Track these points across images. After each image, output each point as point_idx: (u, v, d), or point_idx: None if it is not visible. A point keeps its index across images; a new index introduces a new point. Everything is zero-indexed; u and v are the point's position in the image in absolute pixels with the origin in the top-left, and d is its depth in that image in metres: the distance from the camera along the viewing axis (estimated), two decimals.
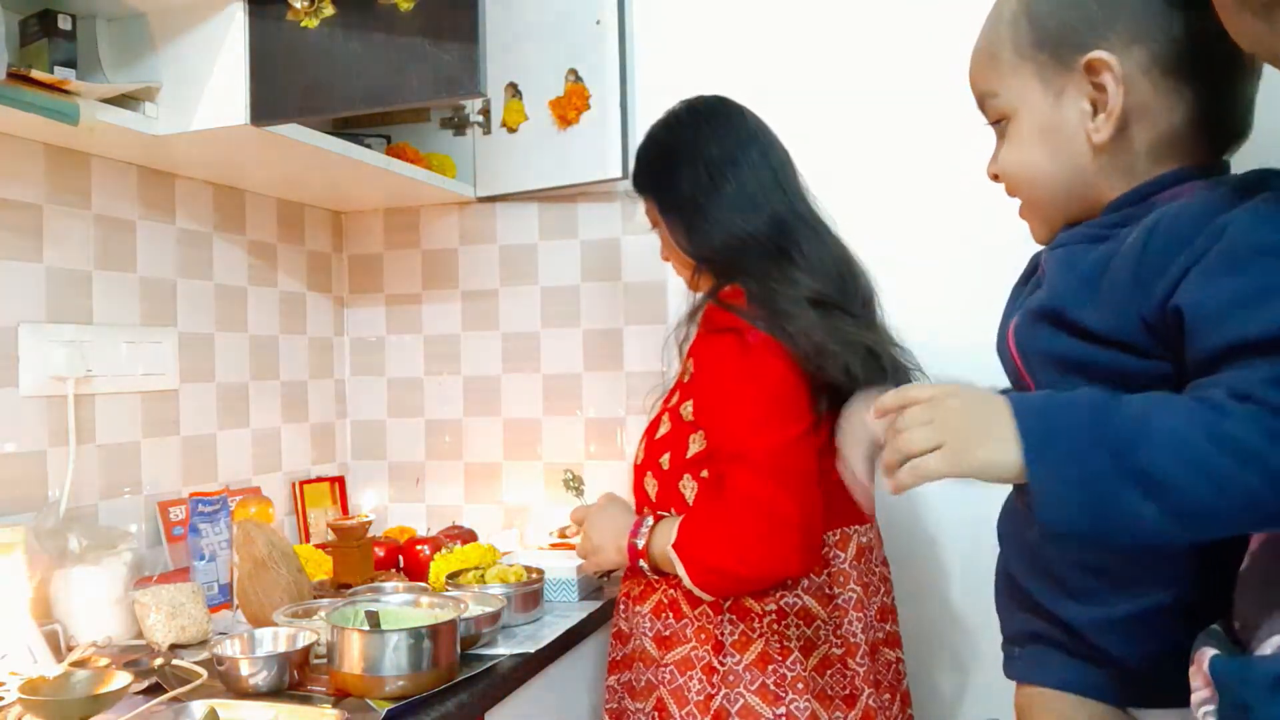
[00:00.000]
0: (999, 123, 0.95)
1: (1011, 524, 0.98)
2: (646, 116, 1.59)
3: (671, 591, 1.35)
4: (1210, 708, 0.68)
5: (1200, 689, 0.70)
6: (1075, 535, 0.75)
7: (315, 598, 1.49)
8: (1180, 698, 0.75)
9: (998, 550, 1.02)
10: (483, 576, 1.54)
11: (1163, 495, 0.69)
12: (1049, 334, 0.84)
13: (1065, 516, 0.73)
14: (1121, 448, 0.70)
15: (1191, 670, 0.72)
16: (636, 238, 1.96)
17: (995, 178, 0.98)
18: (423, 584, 1.65)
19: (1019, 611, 0.95)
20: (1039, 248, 1.00)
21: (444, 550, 1.69)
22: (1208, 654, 0.70)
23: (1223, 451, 0.67)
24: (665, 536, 1.31)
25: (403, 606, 1.31)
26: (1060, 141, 0.89)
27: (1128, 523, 0.70)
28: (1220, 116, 0.87)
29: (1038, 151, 0.91)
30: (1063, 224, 0.92)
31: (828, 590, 1.33)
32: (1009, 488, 1.00)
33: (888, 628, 1.40)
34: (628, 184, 1.76)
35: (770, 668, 1.28)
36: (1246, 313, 0.70)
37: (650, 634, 1.36)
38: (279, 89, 1.38)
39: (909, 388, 0.83)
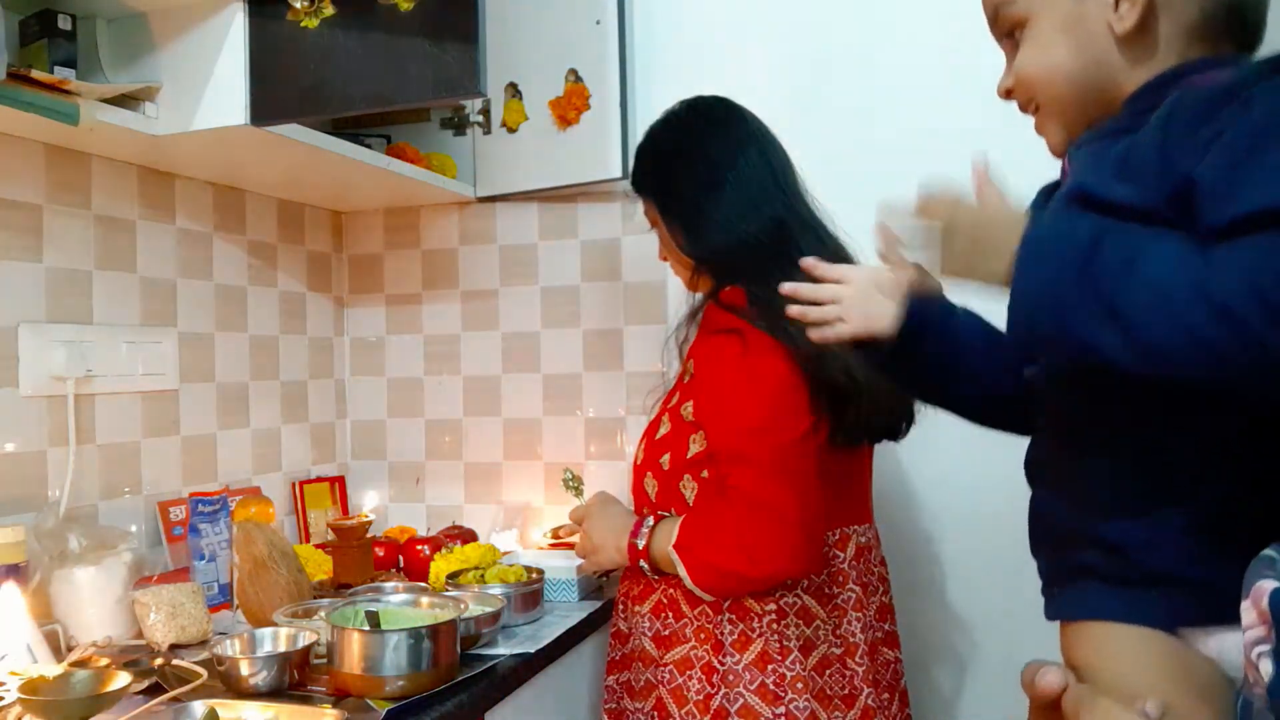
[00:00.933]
0: (1012, 35, 0.96)
1: (1045, 454, 0.96)
2: (646, 116, 1.59)
3: (671, 591, 1.35)
4: (1266, 648, 0.61)
5: (1255, 626, 0.63)
6: (1037, 340, 0.81)
7: (315, 598, 1.49)
8: (1235, 614, 0.69)
9: (1027, 494, 0.99)
10: (483, 576, 1.54)
11: (1129, 331, 0.73)
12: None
13: (1032, 320, 0.79)
14: (1104, 280, 0.74)
15: (1245, 604, 0.64)
16: (636, 238, 1.96)
17: (1008, 94, 0.98)
18: (423, 584, 1.65)
19: (1057, 550, 0.92)
20: None
21: (444, 550, 1.69)
22: (1267, 587, 0.63)
23: (1201, 304, 0.70)
24: (666, 537, 1.31)
25: (403, 606, 1.31)
26: (1082, 35, 0.90)
27: (1087, 344, 0.75)
28: (1240, 14, 0.88)
29: (1059, 48, 0.91)
30: (1083, 127, 0.92)
31: (827, 590, 1.34)
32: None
33: (886, 627, 1.41)
34: (628, 184, 1.76)
35: (770, 667, 1.28)
36: (1268, 184, 0.70)
37: (650, 634, 1.36)
38: (279, 89, 1.38)
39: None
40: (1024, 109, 0.98)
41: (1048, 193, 0.99)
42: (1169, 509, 0.83)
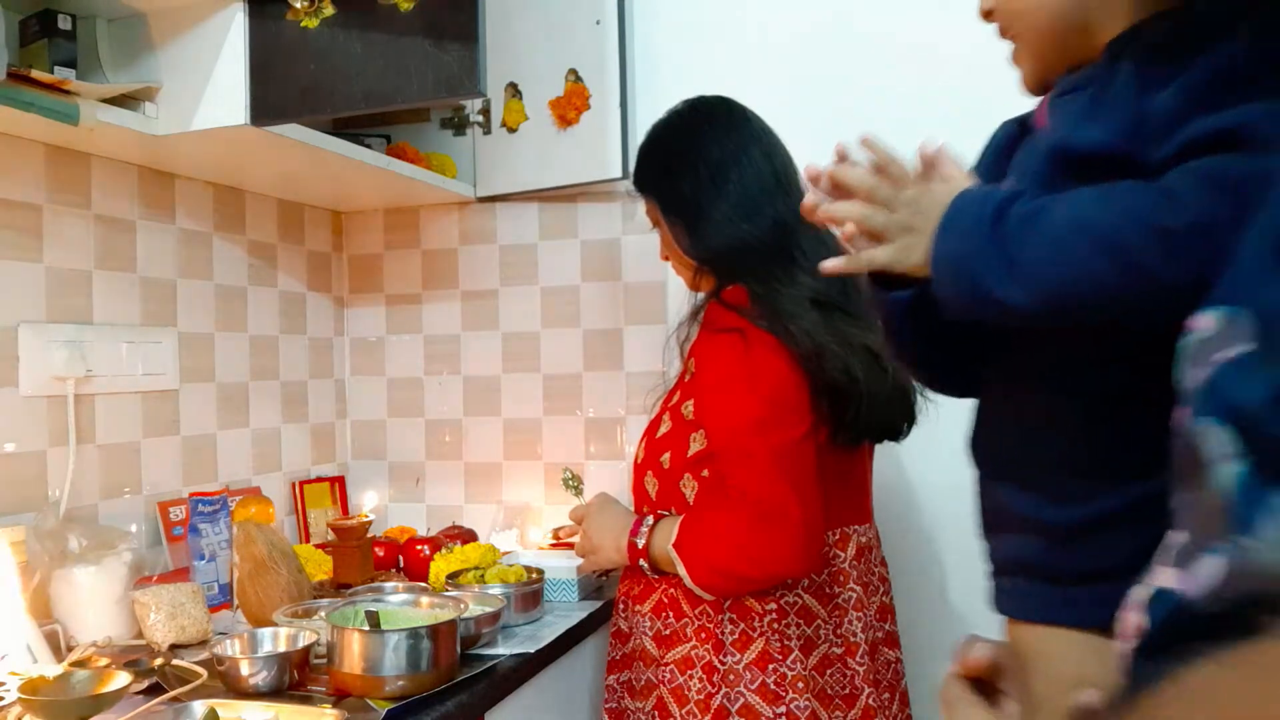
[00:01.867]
0: None
1: (990, 439, 0.92)
2: (646, 116, 1.59)
3: (671, 591, 1.35)
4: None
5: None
6: (958, 304, 0.80)
7: (315, 598, 1.49)
8: None
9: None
10: (483, 576, 1.54)
11: (1028, 280, 0.73)
12: (1061, 181, 0.79)
13: (951, 283, 0.78)
14: (1009, 236, 0.75)
15: (1120, 617, 0.53)
16: (636, 238, 1.96)
17: (989, 15, 0.93)
18: (423, 584, 1.65)
19: (1003, 534, 0.88)
20: None
21: (444, 550, 1.69)
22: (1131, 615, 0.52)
23: (1085, 238, 0.70)
24: (665, 536, 1.31)
25: (403, 606, 1.31)
26: None
27: (996, 300, 0.75)
28: None
29: None
30: (1060, 66, 0.88)
31: (828, 589, 1.34)
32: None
33: (887, 627, 1.41)
34: (628, 184, 1.76)
35: (770, 667, 1.28)
36: (1203, 121, 0.69)
37: (650, 633, 1.36)
38: (279, 89, 1.38)
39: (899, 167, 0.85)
40: (1003, 34, 0.93)
41: (1005, 137, 0.95)
42: (1118, 492, 0.78)
